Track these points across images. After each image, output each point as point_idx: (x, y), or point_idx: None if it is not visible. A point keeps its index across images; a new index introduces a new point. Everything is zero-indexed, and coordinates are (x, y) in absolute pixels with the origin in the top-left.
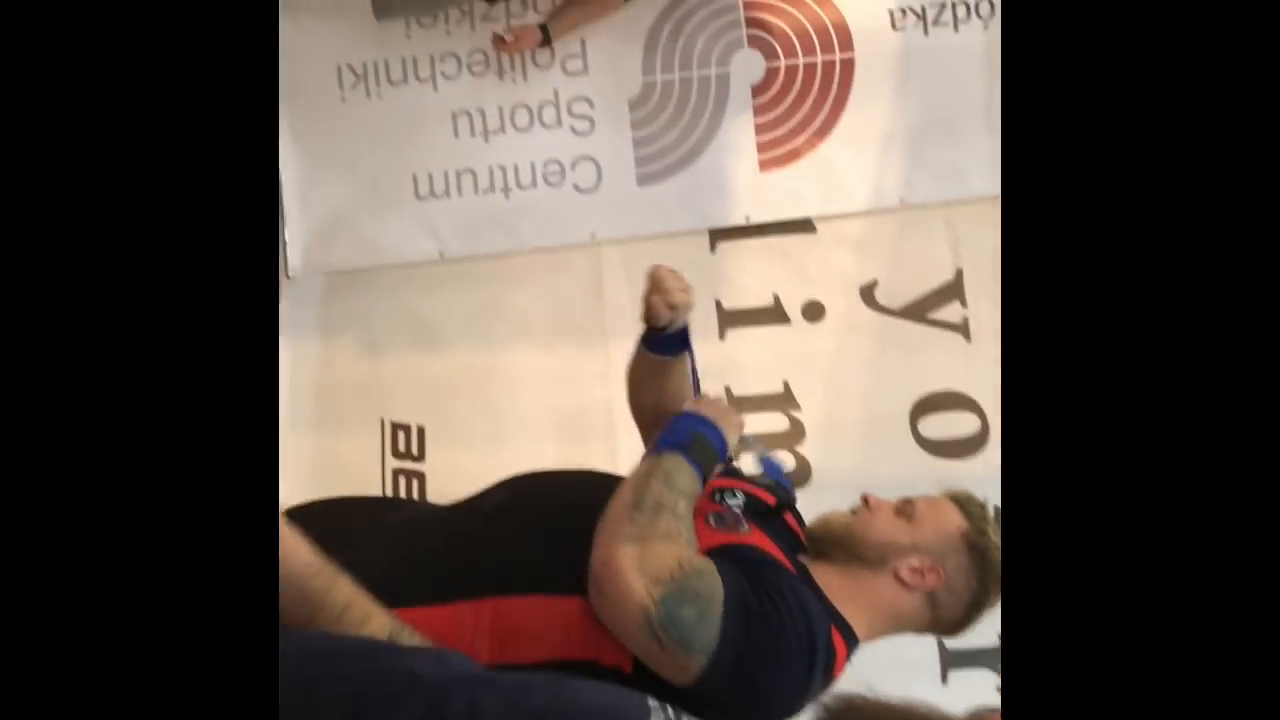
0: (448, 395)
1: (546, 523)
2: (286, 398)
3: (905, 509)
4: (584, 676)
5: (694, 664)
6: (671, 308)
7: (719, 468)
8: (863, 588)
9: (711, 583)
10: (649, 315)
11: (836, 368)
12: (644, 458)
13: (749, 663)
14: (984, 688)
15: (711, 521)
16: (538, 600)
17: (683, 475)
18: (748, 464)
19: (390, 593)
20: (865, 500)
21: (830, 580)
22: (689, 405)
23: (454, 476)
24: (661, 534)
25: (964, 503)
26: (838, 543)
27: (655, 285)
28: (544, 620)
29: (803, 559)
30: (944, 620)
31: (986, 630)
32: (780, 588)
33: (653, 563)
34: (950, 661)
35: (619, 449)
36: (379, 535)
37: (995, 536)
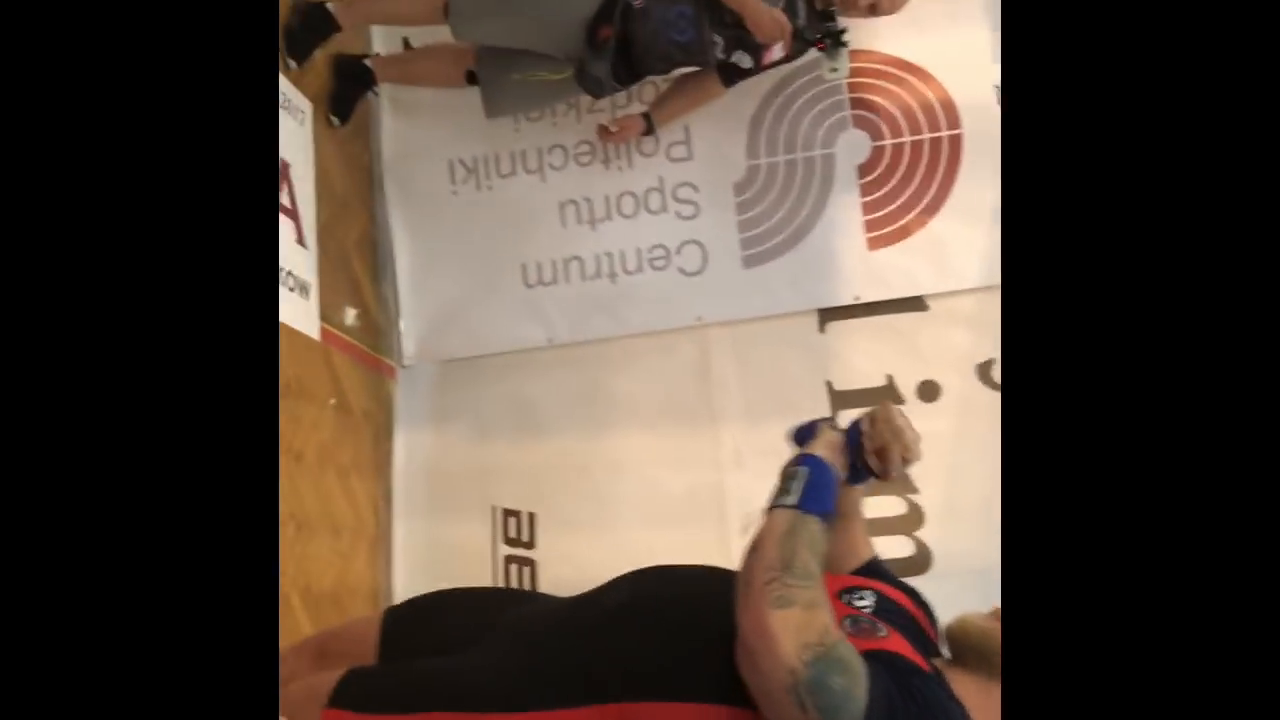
0: (557, 482)
1: (669, 622)
2: (400, 486)
3: None
4: None
5: None
6: (906, 462)
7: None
8: (991, 698)
9: (857, 659)
10: (883, 464)
11: (954, 449)
12: (778, 511)
13: None
14: None
15: (848, 626)
16: (665, 708)
17: (821, 541)
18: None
19: (511, 699)
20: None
21: (966, 690)
22: (823, 452)
23: (565, 563)
24: (808, 601)
25: None
26: (975, 650)
27: (894, 433)
28: None
29: (937, 663)
30: None
31: None
32: (925, 692)
33: (803, 629)
34: None
35: (730, 534)
36: (499, 634)
37: None
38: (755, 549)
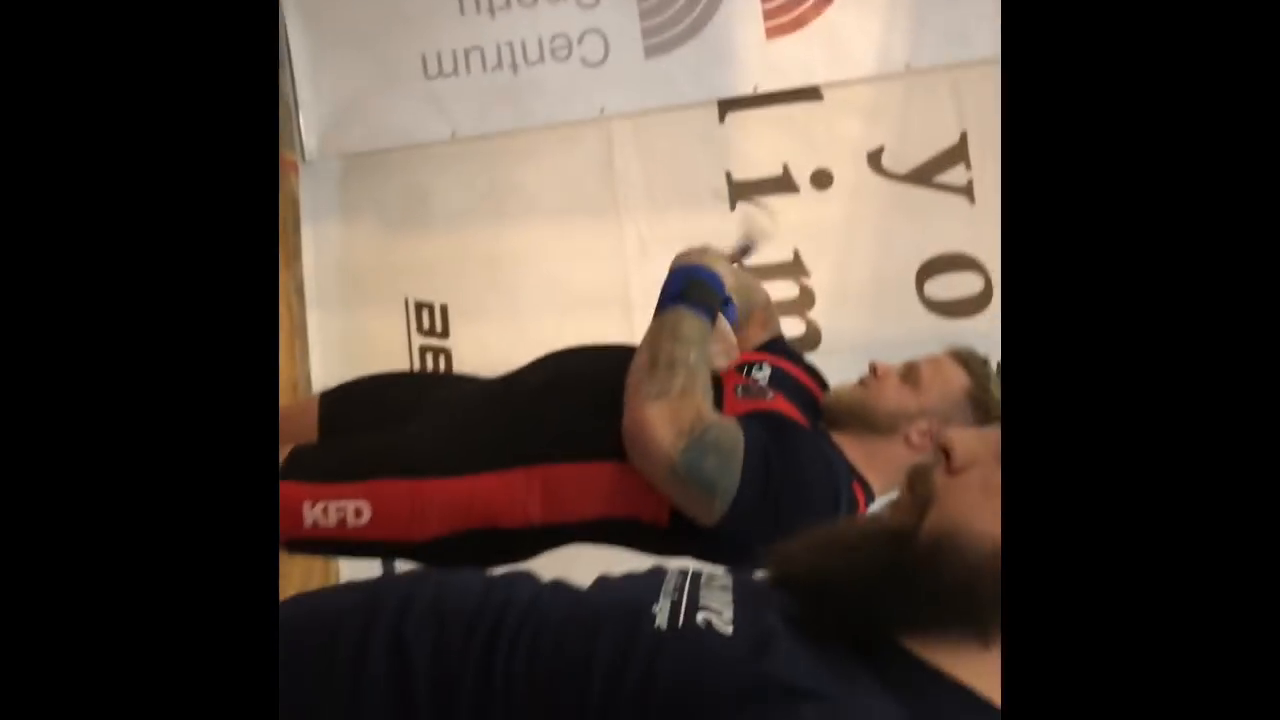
0: (467, 274)
1: (584, 395)
2: (312, 279)
3: (910, 375)
4: (629, 533)
5: (716, 507)
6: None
7: (726, 301)
8: (876, 452)
9: (732, 434)
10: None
11: (845, 234)
12: (655, 318)
13: (770, 508)
14: None
15: (739, 393)
16: (583, 467)
17: (686, 325)
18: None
19: (448, 463)
20: (873, 370)
21: (849, 448)
22: (676, 261)
23: (478, 351)
24: (679, 390)
25: (966, 360)
26: (850, 414)
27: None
28: (589, 484)
29: (821, 426)
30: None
31: None
32: (802, 443)
33: (676, 418)
34: None
35: (635, 321)
36: (432, 410)
37: (996, 390)
38: (636, 354)
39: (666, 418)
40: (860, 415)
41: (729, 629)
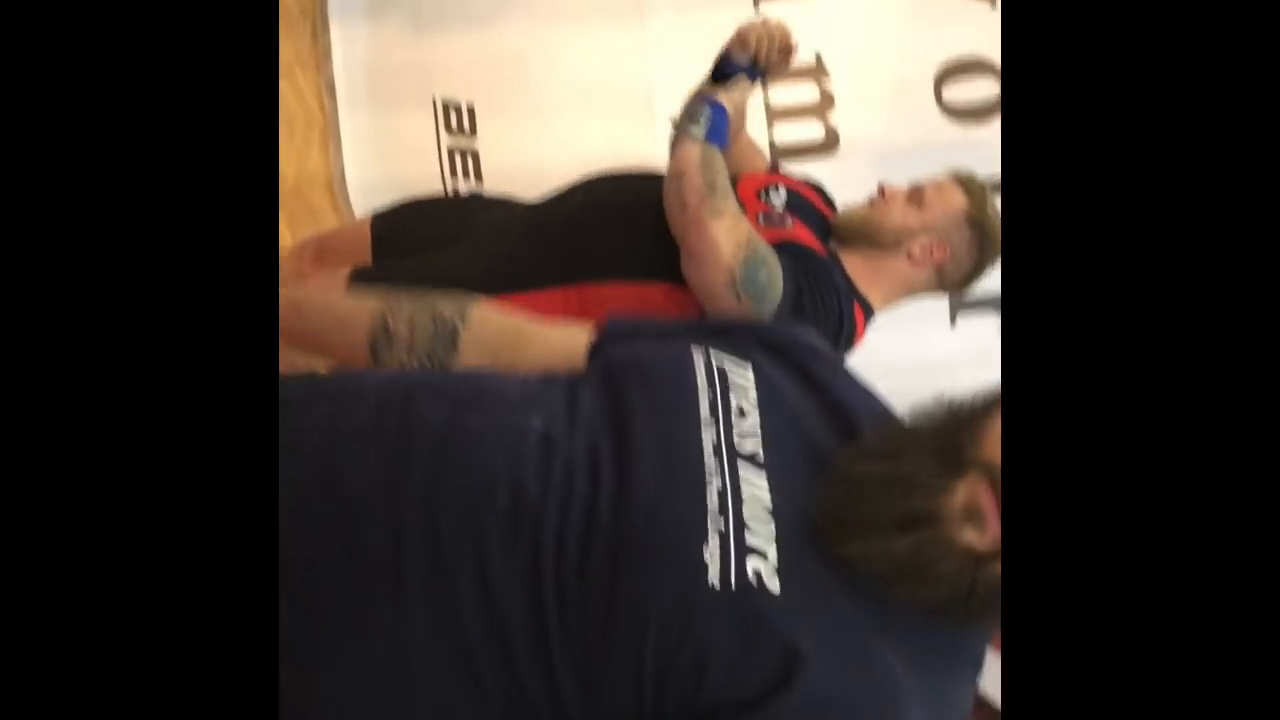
0: (495, 74)
1: (619, 219)
2: (342, 78)
3: (915, 196)
4: None
5: (766, 316)
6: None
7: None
8: (880, 269)
9: (773, 255)
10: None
11: (867, 37)
12: (690, 143)
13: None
14: (988, 329)
15: (761, 220)
16: (619, 286)
17: (724, 168)
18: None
19: (495, 283)
20: (881, 191)
21: (853, 264)
22: (707, 89)
23: (506, 153)
24: (733, 211)
25: (967, 184)
26: (858, 232)
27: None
28: (626, 302)
29: (831, 245)
30: (949, 283)
31: (990, 280)
32: (819, 269)
33: (734, 232)
34: (958, 308)
35: (657, 121)
36: (477, 233)
37: (994, 211)
38: (681, 176)
39: (728, 233)
40: (867, 233)
41: (776, 584)
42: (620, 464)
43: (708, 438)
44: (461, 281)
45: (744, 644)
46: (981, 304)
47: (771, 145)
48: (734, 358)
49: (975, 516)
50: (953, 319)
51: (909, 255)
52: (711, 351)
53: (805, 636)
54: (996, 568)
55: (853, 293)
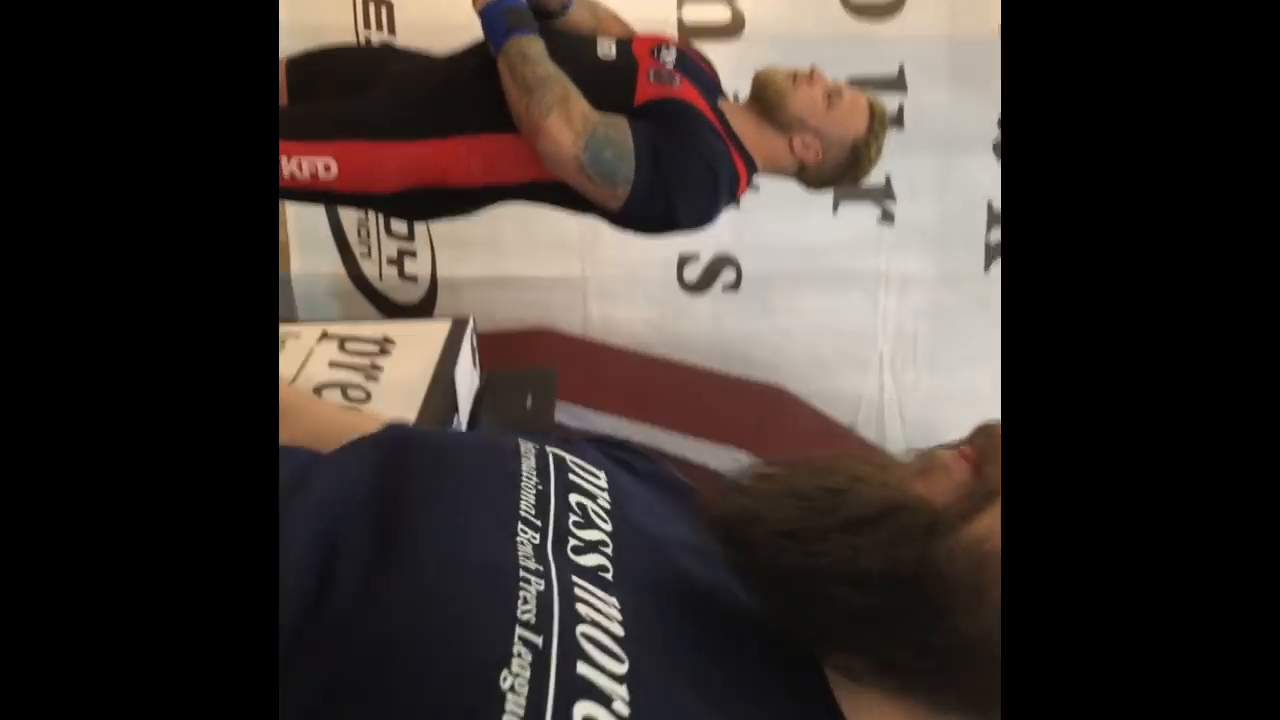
0: None
1: None
2: None
3: (834, 96)
4: (558, 192)
5: (619, 193)
6: None
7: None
8: (763, 138)
9: (620, 128)
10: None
11: None
12: (500, 55)
13: (661, 189)
14: (866, 219)
15: (651, 78)
16: (516, 138)
17: (528, 47)
18: None
19: (402, 129)
20: (811, 73)
21: (743, 123)
22: (476, 3)
23: (420, 7)
24: (559, 98)
25: (876, 114)
26: (766, 100)
27: None
28: (522, 153)
29: (722, 104)
30: (804, 179)
31: (876, 172)
32: (686, 127)
33: (569, 123)
34: (841, 196)
35: None
36: (388, 81)
37: (878, 149)
38: (506, 90)
39: (561, 124)
40: (772, 101)
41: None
42: (370, 566)
43: (525, 539)
44: (370, 126)
45: None
46: (864, 194)
47: (680, 24)
48: (583, 459)
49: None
50: (835, 206)
51: (790, 142)
52: (551, 445)
53: None
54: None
55: (735, 146)
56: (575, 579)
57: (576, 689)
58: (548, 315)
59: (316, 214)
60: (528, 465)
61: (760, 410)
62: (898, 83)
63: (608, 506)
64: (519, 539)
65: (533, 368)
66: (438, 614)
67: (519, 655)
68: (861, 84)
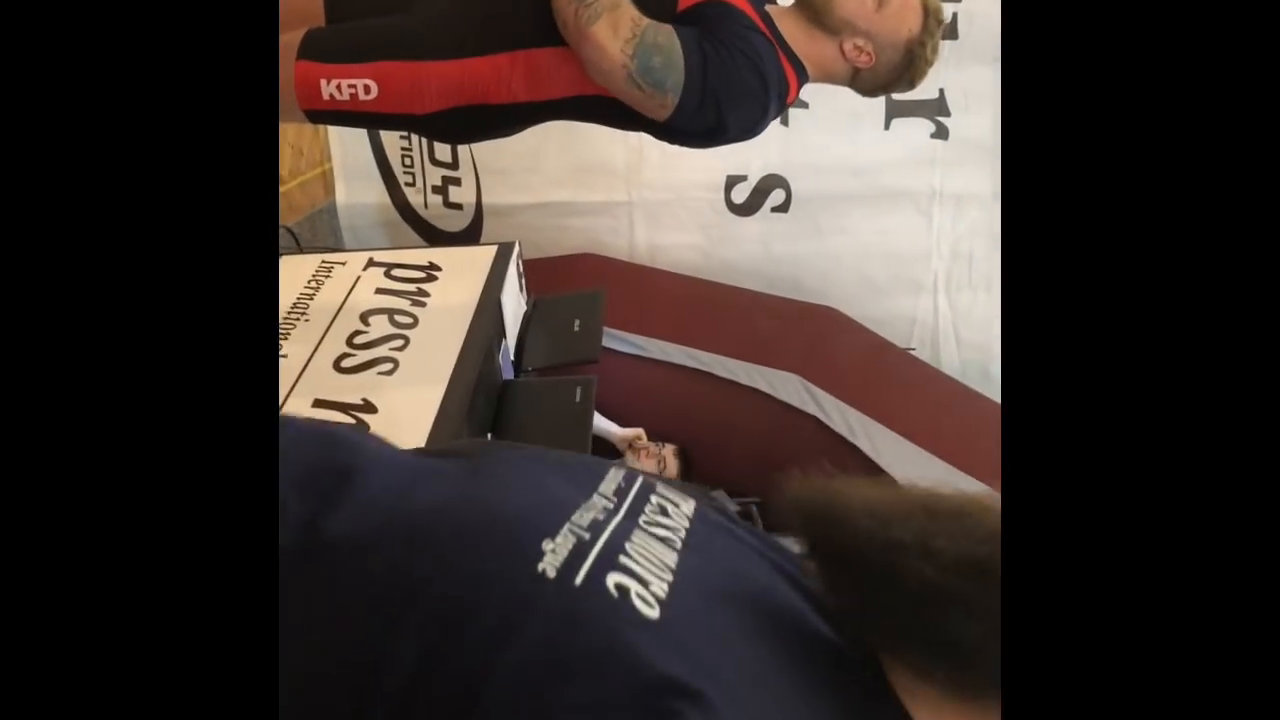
0: None
1: None
2: None
3: None
4: (602, 108)
5: (669, 101)
6: None
7: None
8: (812, 43)
9: (666, 33)
10: None
11: None
12: None
13: (711, 97)
14: (920, 134)
15: None
16: (559, 51)
17: None
18: None
19: (443, 47)
20: None
21: (792, 29)
22: None
23: None
24: (608, 4)
25: (931, 11)
26: (813, 3)
27: None
28: (565, 67)
29: (769, 9)
30: (858, 86)
31: (929, 85)
32: (732, 33)
33: (617, 29)
34: (893, 112)
35: None
36: (426, 1)
37: (934, 49)
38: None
39: (608, 32)
40: (820, 7)
41: (654, 611)
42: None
43: (597, 499)
44: (409, 45)
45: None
46: (917, 108)
47: None
48: (672, 491)
49: None
50: (887, 122)
51: (840, 46)
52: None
53: (695, 675)
54: None
55: (784, 52)
56: (638, 527)
57: (614, 564)
58: (594, 241)
59: (360, 144)
60: (613, 470)
61: (811, 332)
62: None
63: (689, 515)
64: (589, 498)
65: (579, 291)
66: (498, 499)
67: (565, 535)
68: None
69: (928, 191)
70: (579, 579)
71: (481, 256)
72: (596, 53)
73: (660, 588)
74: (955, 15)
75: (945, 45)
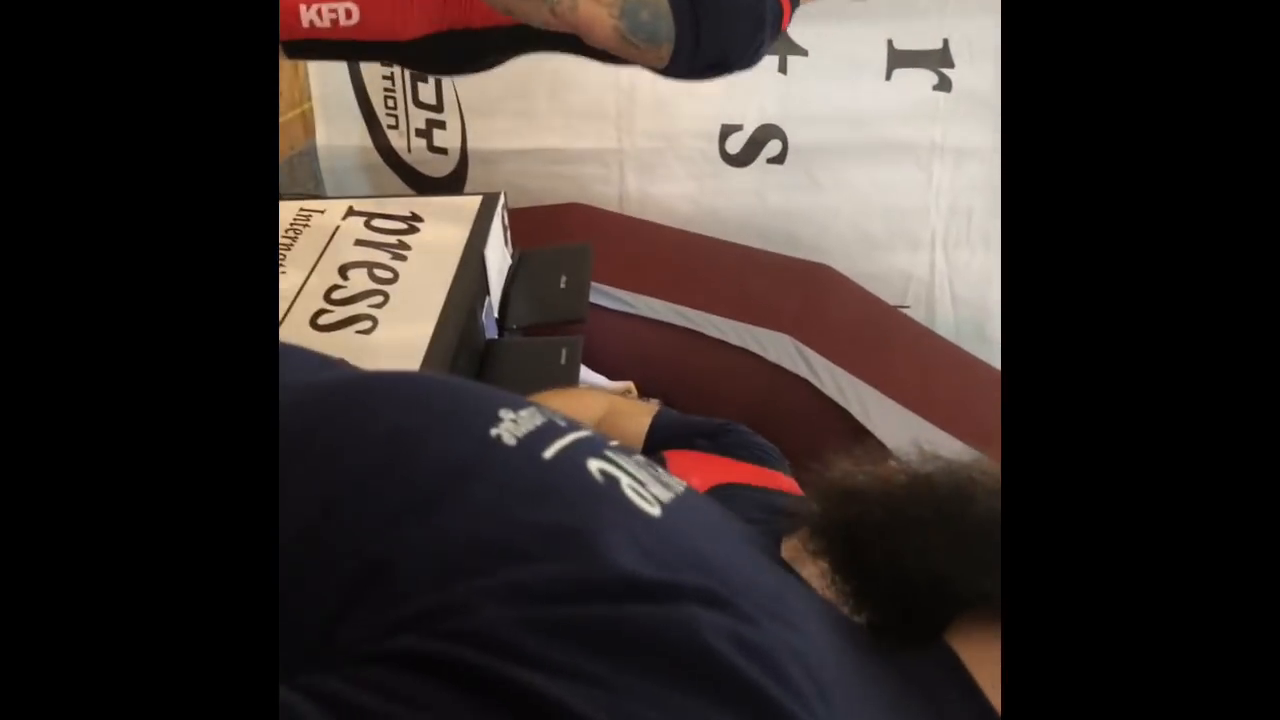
0: None
1: None
2: None
3: None
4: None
5: (664, 52)
6: None
7: None
8: None
9: None
10: None
11: None
12: None
13: (708, 35)
14: (921, 84)
15: None
16: None
17: None
18: None
19: None
20: None
21: None
22: None
23: None
24: None
25: None
26: None
27: None
28: None
29: None
30: None
31: (932, 35)
32: None
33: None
34: (895, 61)
35: None
36: None
37: None
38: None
39: (591, 5)
40: None
41: (654, 508)
42: None
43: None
44: None
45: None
46: (919, 59)
47: None
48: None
49: None
50: (888, 73)
51: None
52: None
53: (723, 586)
54: None
55: None
56: (626, 471)
57: (597, 452)
58: (583, 190)
59: (341, 82)
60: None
61: (805, 290)
62: None
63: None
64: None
65: (566, 245)
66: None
67: (531, 412)
68: None
69: (928, 145)
70: (548, 453)
71: (466, 207)
72: (588, 29)
73: (660, 491)
74: None
75: None
